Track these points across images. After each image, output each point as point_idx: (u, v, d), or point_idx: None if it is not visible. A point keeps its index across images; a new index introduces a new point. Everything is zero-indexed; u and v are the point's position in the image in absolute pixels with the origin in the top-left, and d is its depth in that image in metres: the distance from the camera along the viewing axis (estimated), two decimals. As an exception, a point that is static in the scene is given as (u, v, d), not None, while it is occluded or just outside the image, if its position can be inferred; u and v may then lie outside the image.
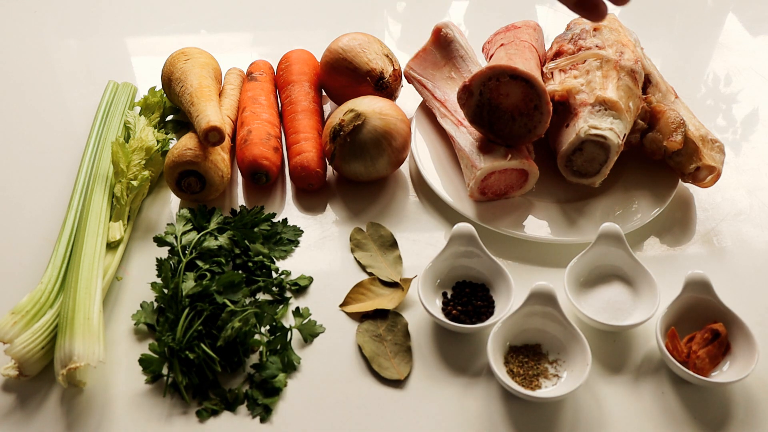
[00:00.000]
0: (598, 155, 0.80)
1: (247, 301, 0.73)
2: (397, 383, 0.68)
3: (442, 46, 0.92)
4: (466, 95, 0.79)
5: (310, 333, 0.71)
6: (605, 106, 0.79)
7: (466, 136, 0.84)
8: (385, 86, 0.92)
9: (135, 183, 0.80)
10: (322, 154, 0.87)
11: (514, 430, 0.64)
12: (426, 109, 0.96)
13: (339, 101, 0.94)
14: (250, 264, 0.77)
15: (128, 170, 0.81)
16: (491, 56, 0.90)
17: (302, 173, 0.85)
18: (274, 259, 0.79)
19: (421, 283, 0.71)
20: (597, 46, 0.85)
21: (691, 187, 0.89)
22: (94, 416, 0.64)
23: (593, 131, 0.78)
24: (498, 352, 0.67)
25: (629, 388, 0.67)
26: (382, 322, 0.72)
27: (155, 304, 0.73)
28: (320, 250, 0.81)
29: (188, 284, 0.70)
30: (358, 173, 0.85)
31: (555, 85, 0.84)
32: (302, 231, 0.83)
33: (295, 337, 0.71)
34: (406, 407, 0.66)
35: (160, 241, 0.77)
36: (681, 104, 0.88)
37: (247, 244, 0.78)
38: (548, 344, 0.69)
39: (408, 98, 0.97)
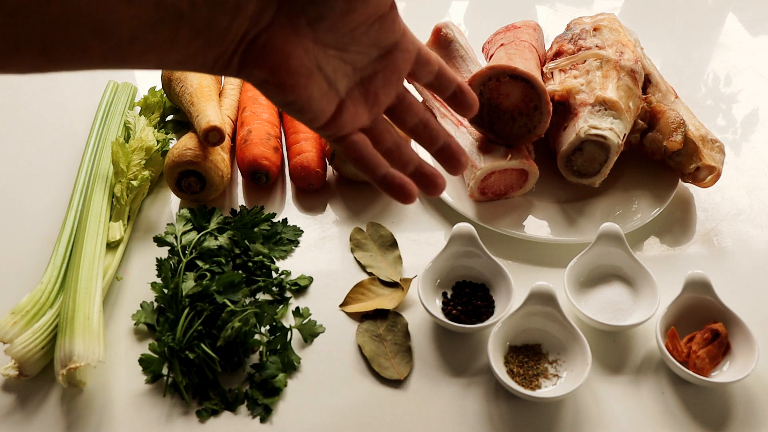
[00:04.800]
0: (598, 155, 0.80)
1: (247, 301, 0.73)
2: (397, 383, 0.68)
3: (442, 46, 0.92)
4: (466, 95, 0.79)
5: (310, 333, 0.71)
6: (605, 106, 0.79)
7: (466, 136, 0.84)
8: (385, 86, 0.91)
9: (135, 183, 0.80)
10: (322, 154, 0.87)
11: (514, 430, 0.64)
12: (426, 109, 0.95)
13: (339, 101, 0.94)
14: (250, 264, 0.77)
15: (128, 170, 0.81)
16: (491, 56, 0.90)
17: (302, 173, 0.85)
18: (274, 259, 0.79)
19: (421, 283, 0.71)
20: (597, 46, 0.85)
21: (691, 187, 0.89)
22: (94, 416, 0.64)
23: (593, 131, 0.78)
24: (498, 352, 0.67)
25: (629, 388, 0.67)
26: (382, 322, 0.72)
27: (155, 304, 0.73)
28: (320, 250, 0.81)
29: (188, 284, 0.70)
30: (358, 173, 0.85)
31: (555, 85, 0.84)
32: (302, 231, 0.82)
33: (295, 337, 0.71)
34: (406, 407, 0.66)
35: (160, 241, 0.77)
36: (681, 104, 0.88)
37: (247, 244, 0.78)
38: (548, 344, 0.69)
39: (408, 98, 0.97)
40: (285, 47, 0.44)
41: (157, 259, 0.75)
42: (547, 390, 0.65)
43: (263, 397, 0.66)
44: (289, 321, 0.73)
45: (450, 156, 0.56)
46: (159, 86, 0.97)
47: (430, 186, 0.55)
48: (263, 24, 0.43)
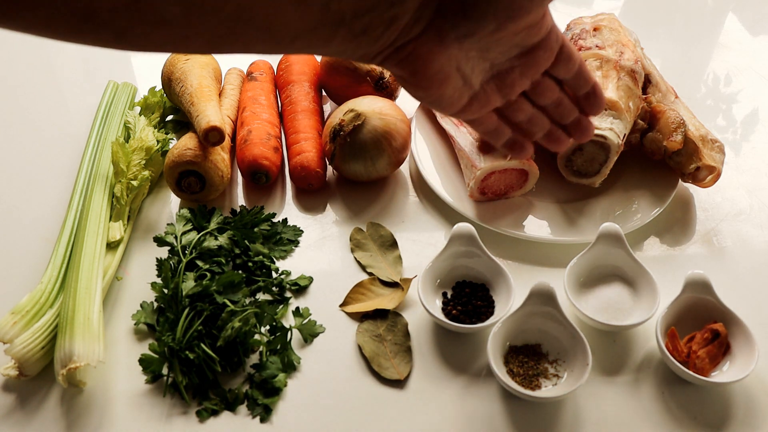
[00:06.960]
0: (598, 155, 0.80)
1: (247, 301, 0.73)
2: (397, 383, 0.68)
3: (442, 46, 0.92)
4: (466, 95, 0.79)
5: (310, 333, 0.71)
6: (605, 106, 0.79)
7: (466, 136, 0.84)
8: (385, 86, 0.92)
9: (135, 183, 0.80)
10: (322, 154, 0.87)
11: (514, 430, 0.64)
12: (426, 109, 0.96)
13: (339, 101, 0.94)
14: (250, 264, 0.77)
15: (128, 170, 0.81)
16: (491, 56, 0.90)
17: (302, 173, 0.85)
18: (274, 259, 0.79)
19: (421, 283, 0.71)
20: (597, 46, 0.85)
21: (691, 187, 0.89)
22: (94, 416, 0.64)
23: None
24: (498, 352, 0.67)
25: (629, 389, 0.67)
26: (382, 322, 0.72)
27: (155, 304, 0.73)
28: (320, 250, 0.81)
29: (188, 284, 0.70)
30: (358, 173, 0.85)
31: (555, 85, 0.84)
32: (302, 231, 0.82)
33: (295, 337, 0.71)
34: (406, 407, 0.66)
35: (160, 241, 0.77)
36: (681, 104, 0.88)
37: (247, 244, 0.78)
38: (548, 344, 0.69)
39: (408, 98, 0.96)
40: (428, 56, 0.47)
41: (157, 259, 0.75)
42: (547, 390, 0.65)
43: (263, 397, 0.66)
44: (289, 321, 0.73)
45: (581, 131, 0.62)
46: (159, 86, 0.97)
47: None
48: (413, 35, 0.46)
